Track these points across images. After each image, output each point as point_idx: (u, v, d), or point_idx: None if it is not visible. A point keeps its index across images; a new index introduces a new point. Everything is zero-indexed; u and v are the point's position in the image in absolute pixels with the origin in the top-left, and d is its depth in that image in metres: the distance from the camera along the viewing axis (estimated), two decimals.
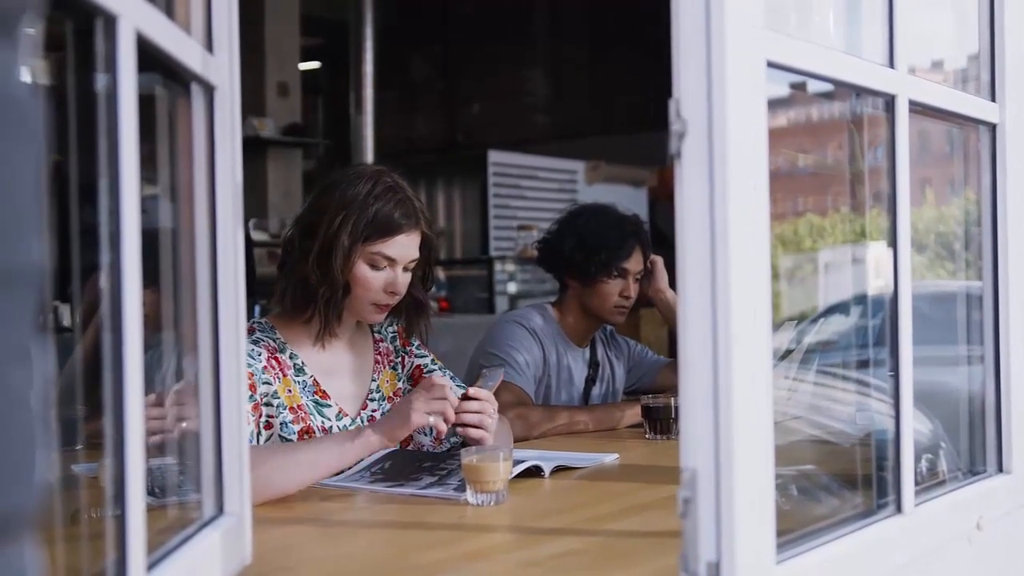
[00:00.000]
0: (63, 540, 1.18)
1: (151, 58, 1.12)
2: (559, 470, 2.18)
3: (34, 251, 0.58)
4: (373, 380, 2.37)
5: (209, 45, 1.35)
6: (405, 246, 2.23)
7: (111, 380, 1.00)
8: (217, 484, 1.37)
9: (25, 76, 0.60)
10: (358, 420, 2.29)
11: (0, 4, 0.57)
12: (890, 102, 1.52)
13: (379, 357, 2.41)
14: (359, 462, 2.10)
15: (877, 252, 1.92)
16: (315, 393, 2.24)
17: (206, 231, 1.35)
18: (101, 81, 1.01)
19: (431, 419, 2.04)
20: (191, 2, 1.33)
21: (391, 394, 2.38)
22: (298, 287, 2.22)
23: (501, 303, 7.33)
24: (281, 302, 2.26)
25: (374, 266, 2.21)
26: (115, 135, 1.00)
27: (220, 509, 1.37)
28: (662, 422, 2.66)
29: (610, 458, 2.35)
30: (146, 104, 1.08)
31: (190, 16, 1.32)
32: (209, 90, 1.35)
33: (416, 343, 2.48)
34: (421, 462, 2.14)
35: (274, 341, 2.24)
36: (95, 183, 1.01)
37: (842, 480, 1.71)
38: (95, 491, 1.41)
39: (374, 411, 2.33)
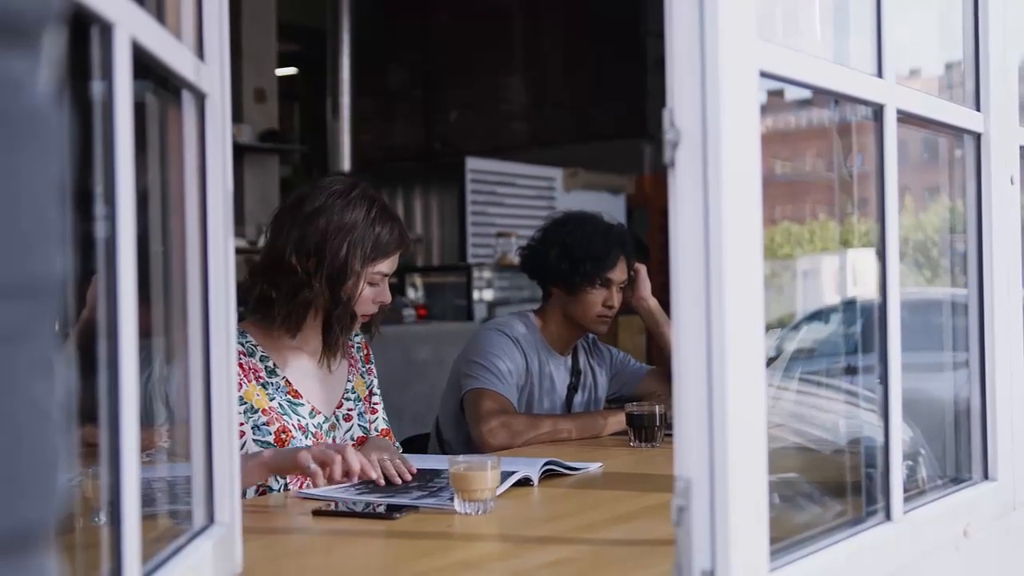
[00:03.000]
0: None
1: (143, 65, 1.11)
2: (548, 475, 2.18)
3: (56, 262, 0.58)
4: (348, 380, 2.45)
5: (200, 53, 1.35)
6: (396, 260, 2.36)
7: (106, 390, 0.99)
8: (207, 494, 1.36)
9: (46, 87, 0.60)
10: (332, 418, 2.37)
11: (22, 15, 0.57)
12: (878, 111, 1.53)
13: (352, 360, 2.49)
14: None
15: (856, 259, 1.93)
16: (288, 393, 2.30)
17: (196, 239, 1.35)
18: (96, 88, 1.00)
19: (313, 465, 1.95)
20: (182, 10, 1.33)
21: (364, 395, 2.48)
22: (302, 309, 2.28)
23: (479, 310, 7.32)
24: (286, 325, 2.29)
25: (372, 284, 2.32)
26: (111, 142, 1.00)
27: (211, 519, 1.36)
28: (646, 430, 2.66)
29: (594, 467, 2.35)
30: (136, 111, 1.07)
31: (180, 23, 1.32)
32: (200, 98, 1.34)
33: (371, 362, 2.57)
34: (410, 481, 2.14)
35: (243, 345, 2.28)
36: (88, 190, 1.01)
37: (830, 488, 1.72)
38: (79, 501, 1.40)
39: (350, 410, 2.42)
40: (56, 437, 0.59)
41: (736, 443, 1.16)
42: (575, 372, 3.15)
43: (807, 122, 1.86)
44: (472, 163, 8.07)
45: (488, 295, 7.49)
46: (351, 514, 1.88)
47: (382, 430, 2.47)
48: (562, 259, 2.99)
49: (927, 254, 2.09)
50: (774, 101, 1.53)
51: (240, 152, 7.55)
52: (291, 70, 10.66)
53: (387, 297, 2.36)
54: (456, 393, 2.95)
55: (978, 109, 1.83)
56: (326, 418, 2.36)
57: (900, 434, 1.54)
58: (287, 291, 2.26)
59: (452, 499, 1.87)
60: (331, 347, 2.34)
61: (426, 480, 2.14)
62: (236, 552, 1.41)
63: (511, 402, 2.87)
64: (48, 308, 0.58)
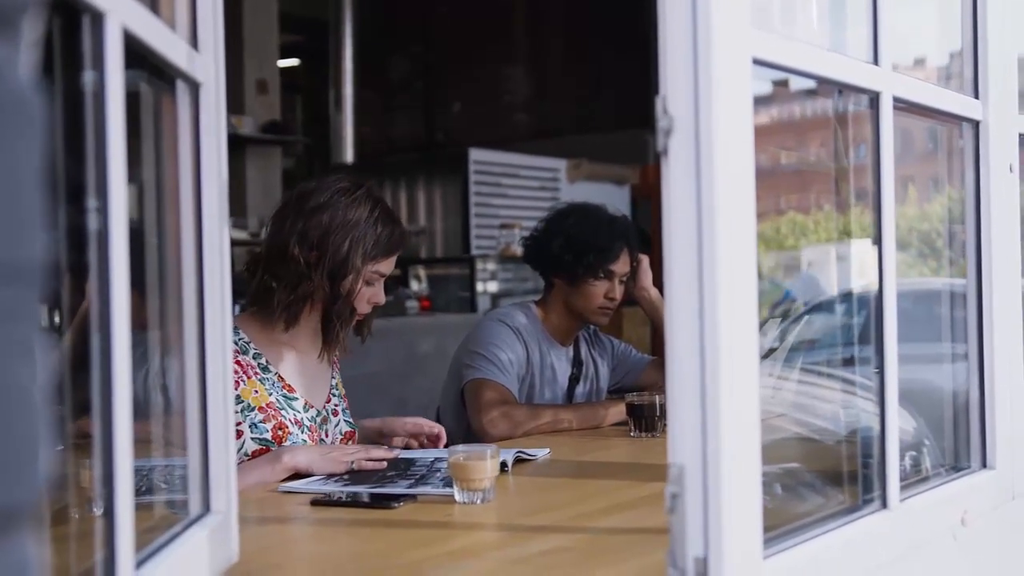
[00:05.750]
0: (48, 539, 1.17)
1: (136, 55, 1.11)
2: (517, 462, 2.23)
3: (37, 246, 0.59)
4: (333, 377, 2.50)
5: (194, 42, 1.35)
6: (394, 262, 2.40)
7: (99, 381, 0.99)
8: (204, 482, 1.36)
9: (26, 72, 0.60)
10: (323, 412, 2.41)
11: (1, 2, 0.57)
12: (874, 99, 1.53)
13: (335, 358, 2.52)
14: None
15: (860, 250, 1.93)
16: (283, 388, 2.33)
17: (191, 229, 1.35)
18: (88, 78, 1.00)
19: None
20: None
21: (343, 393, 2.53)
22: (302, 301, 2.30)
23: (483, 302, 7.31)
24: (285, 315, 2.31)
25: (369, 283, 2.35)
26: (102, 132, 1.00)
27: (207, 507, 1.36)
28: (647, 420, 2.66)
29: (543, 453, 2.39)
30: (130, 101, 1.07)
31: (175, 13, 1.32)
32: (195, 87, 1.34)
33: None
34: (384, 470, 2.15)
35: (236, 343, 2.29)
36: (80, 181, 1.01)
37: (827, 476, 1.72)
38: (74, 491, 1.40)
39: (336, 405, 2.47)
40: (38, 420, 0.59)
41: (729, 429, 1.16)
42: (577, 363, 3.15)
43: (810, 112, 1.86)
44: (475, 154, 8.06)
45: (492, 287, 7.48)
46: (349, 503, 1.88)
47: (347, 432, 2.48)
48: (565, 250, 2.98)
49: (931, 244, 2.09)
50: (779, 92, 1.53)
51: (242, 144, 7.55)
52: (293, 61, 10.66)
53: (381, 298, 2.39)
54: (457, 383, 2.95)
55: (976, 97, 1.82)
56: (318, 412, 2.39)
57: (896, 422, 1.53)
58: (288, 282, 2.29)
59: (443, 484, 1.88)
60: (330, 341, 2.37)
61: (403, 470, 2.15)
62: (232, 540, 1.42)
63: (512, 392, 2.87)
64: (31, 293, 0.59)
